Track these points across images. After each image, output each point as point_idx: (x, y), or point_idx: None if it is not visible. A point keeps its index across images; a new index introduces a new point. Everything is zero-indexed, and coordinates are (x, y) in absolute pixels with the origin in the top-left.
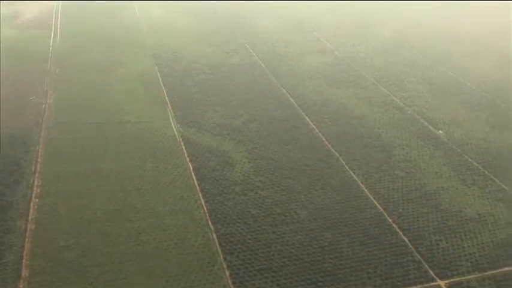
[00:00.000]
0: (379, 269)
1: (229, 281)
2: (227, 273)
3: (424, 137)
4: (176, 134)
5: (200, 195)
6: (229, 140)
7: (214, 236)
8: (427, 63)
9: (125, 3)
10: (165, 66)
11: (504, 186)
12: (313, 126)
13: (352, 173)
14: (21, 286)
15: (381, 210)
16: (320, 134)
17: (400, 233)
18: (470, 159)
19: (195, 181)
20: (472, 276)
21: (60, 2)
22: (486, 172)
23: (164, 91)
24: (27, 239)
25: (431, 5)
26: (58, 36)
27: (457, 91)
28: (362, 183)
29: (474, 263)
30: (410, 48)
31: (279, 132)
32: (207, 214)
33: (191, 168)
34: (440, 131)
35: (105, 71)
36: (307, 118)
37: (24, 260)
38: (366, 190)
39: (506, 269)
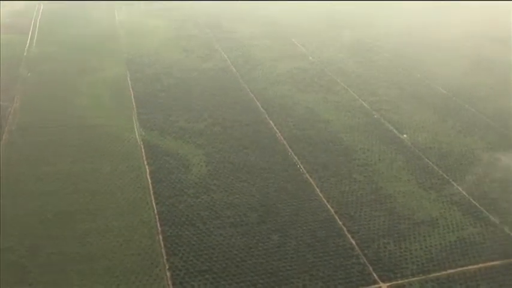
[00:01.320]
0: (321, 272)
1: (170, 282)
2: (168, 274)
3: (387, 141)
4: (138, 137)
5: (152, 197)
6: (190, 143)
7: (161, 237)
8: (400, 68)
9: (106, 8)
10: (137, 71)
11: (461, 190)
12: (276, 130)
13: (308, 177)
14: None
15: (332, 213)
16: (282, 138)
17: (349, 235)
18: (431, 163)
19: (150, 183)
20: (415, 278)
21: (42, 3)
22: (445, 176)
23: (132, 95)
24: None
25: (414, 6)
26: (34, 41)
27: (427, 96)
28: (317, 186)
29: (419, 265)
30: (385, 53)
31: (241, 136)
32: (157, 216)
33: (148, 171)
34: (405, 135)
35: (76, 76)
36: (271, 122)
37: None
38: (320, 193)
39: (450, 271)
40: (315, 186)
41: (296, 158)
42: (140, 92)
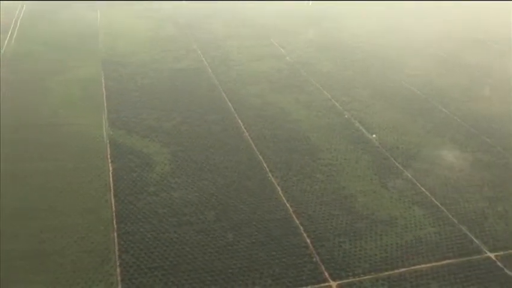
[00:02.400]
0: (272, 270)
1: (119, 278)
2: (118, 270)
3: (355, 140)
4: (105, 135)
5: (112, 195)
6: (156, 142)
7: (115, 234)
8: (376, 69)
9: (90, 9)
10: (112, 70)
11: (423, 190)
12: (244, 129)
13: (271, 175)
14: None
15: (291, 212)
16: (249, 137)
17: (305, 234)
18: (396, 164)
19: (111, 181)
20: (367, 277)
21: (25, 3)
22: (409, 176)
23: (104, 95)
24: None
25: (401, 6)
26: (13, 40)
27: (400, 97)
28: (278, 185)
29: (372, 264)
30: (363, 54)
31: (208, 135)
32: (114, 213)
33: (111, 169)
34: (374, 135)
35: (51, 75)
36: (240, 122)
37: None
38: (280, 192)
39: (402, 270)
40: (276, 185)
41: (261, 157)
42: (113, 92)
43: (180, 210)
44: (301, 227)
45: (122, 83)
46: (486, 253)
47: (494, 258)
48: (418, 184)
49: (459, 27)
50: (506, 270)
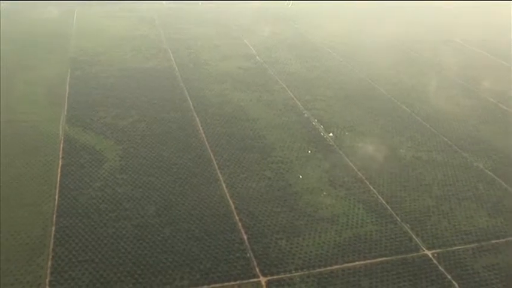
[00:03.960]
0: (203, 265)
1: (49, 271)
2: (49, 263)
3: (310, 139)
4: (60, 133)
5: (57, 190)
6: (111, 139)
7: (53, 228)
8: (346, 69)
9: (67, 9)
10: (78, 69)
11: (371, 188)
12: (200, 127)
13: (219, 173)
14: None
15: (232, 208)
16: (203, 135)
17: (242, 230)
18: (349, 162)
19: (58, 177)
20: (298, 273)
21: (2, 2)
22: (359, 174)
23: (67, 93)
24: None
25: (384, 5)
26: None
27: (365, 96)
28: (224, 182)
29: (306, 261)
30: (335, 54)
31: (162, 132)
32: (56, 208)
33: (60, 165)
34: (331, 134)
35: (13, 74)
36: (197, 120)
37: None
38: (225, 189)
39: (335, 267)
40: (222, 181)
41: (212, 154)
42: (75, 90)
43: (122, 205)
44: (240, 223)
45: (86, 82)
46: (424, 251)
47: (430, 256)
48: (367, 182)
49: (433, 27)
50: (439, 267)
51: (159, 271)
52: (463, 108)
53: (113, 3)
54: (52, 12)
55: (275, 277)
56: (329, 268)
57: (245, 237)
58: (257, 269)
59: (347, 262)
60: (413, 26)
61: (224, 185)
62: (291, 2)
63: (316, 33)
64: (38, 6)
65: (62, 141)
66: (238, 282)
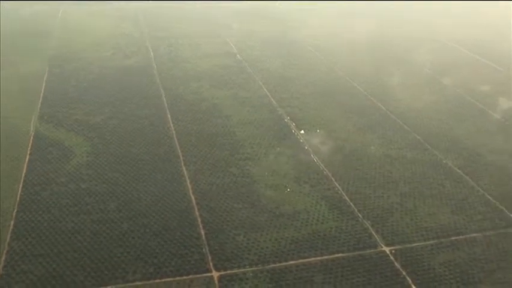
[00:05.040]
0: (157, 259)
1: (1, 265)
2: (3, 258)
3: (281, 136)
4: (31, 129)
5: (21, 185)
6: (81, 135)
7: (12, 223)
8: (326, 67)
9: (52, 8)
10: (57, 67)
11: (336, 185)
12: (172, 124)
13: (184, 169)
14: None
15: (193, 204)
16: (174, 132)
17: (201, 226)
18: (316, 159)
19: (24, 172)
20: (251, 268)
21: None
22: (326, 171)
23: (43, 90)
24: None
25: (371, 6)
26: None
27: (342, 94)
28: (189, 178)
29: (261, 256)
30: (317, 52)
31: (133, 129)
32: (17, 203)
33: (27, 160)
34: (302, 131)
35: None
36: (169, 117)
37: None
38: (189, 185)
39: (290, 262)
40: (186, 177)
41: (179, 151)
42: (52, 87)
43: (83, 200)
44: (199, 219)
45: (63, 79)
46: (382, 247)
47: (387, 252)
48: (333, 179)
49: (417, 27)
50: (395, 264)
51: (113, 265)
52: (438, 106)
53: (100, 3)
54: (36, 12)
55: (228, 272)
56: (284, 264)
57: (203, 232)
58: (211, 264)
59: (303, 258)
60: (403, 25)
61: (188, 181)
62: (280, 1)
63: (302, 33)
64: (24, 5)
65: (32, 138)
66: (190, 276)
